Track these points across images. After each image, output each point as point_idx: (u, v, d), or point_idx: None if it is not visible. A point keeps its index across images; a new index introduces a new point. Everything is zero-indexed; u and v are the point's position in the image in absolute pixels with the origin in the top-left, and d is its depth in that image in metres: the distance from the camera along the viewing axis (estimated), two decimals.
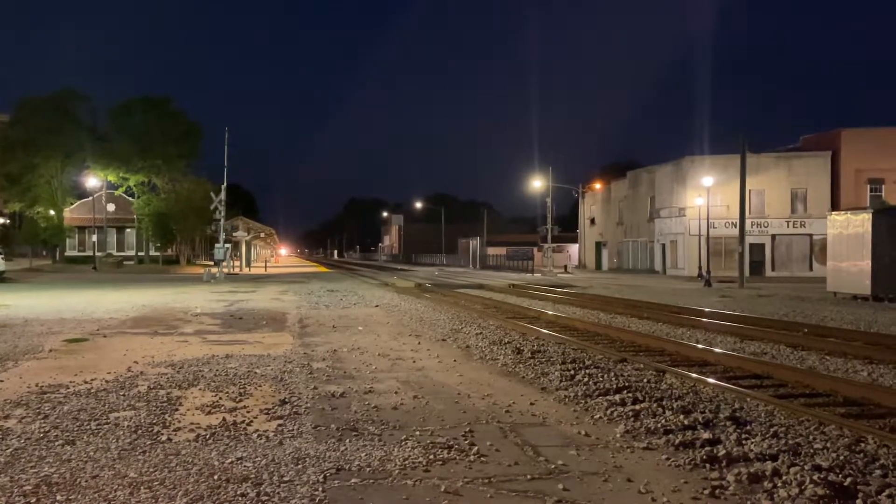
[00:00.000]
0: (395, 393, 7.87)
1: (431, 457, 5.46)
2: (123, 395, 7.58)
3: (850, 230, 24.58)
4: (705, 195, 42.75)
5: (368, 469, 5.18)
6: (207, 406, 7.09)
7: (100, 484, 4.80)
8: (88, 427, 6.22)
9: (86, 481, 4.85)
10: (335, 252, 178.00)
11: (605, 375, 9.04)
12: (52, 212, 55.84)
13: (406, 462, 5.33)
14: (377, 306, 20.15)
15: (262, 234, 73.92)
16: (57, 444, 5.72)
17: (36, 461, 5.26)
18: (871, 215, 24.24)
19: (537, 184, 59.08)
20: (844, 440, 6.15)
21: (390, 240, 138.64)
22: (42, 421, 6.42)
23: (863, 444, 6.05)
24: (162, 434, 6.04)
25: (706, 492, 4.80)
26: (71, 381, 8.29)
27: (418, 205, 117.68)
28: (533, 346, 11.84)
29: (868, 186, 46.59)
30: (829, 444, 5.98)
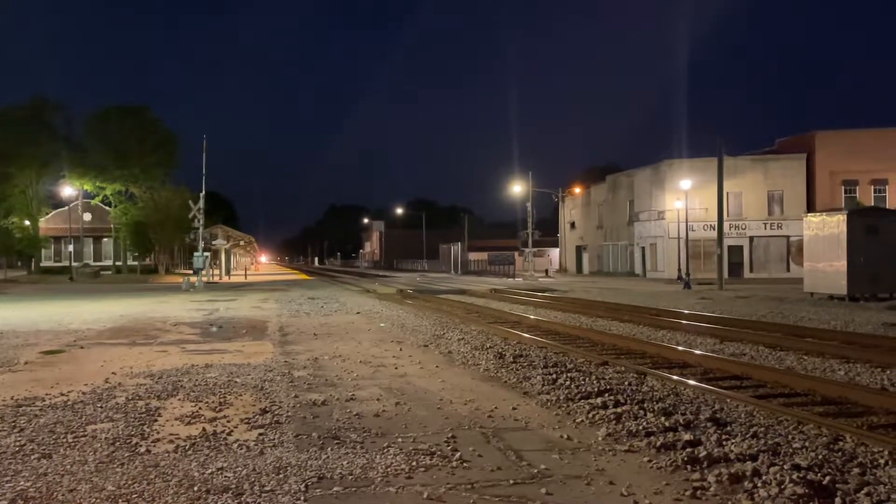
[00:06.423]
0: (377, 400, 7.84)
1: (414, 463, 5.44)
2: (101, 406, 7.47)
3: (825, 231, 24.92)
4: (684, 198, 43.17)
5: (350, 477, 5.15)
6: (187, 416, 7.01)
7: (77, 498, 4.73)
8: (65, 440, 6.12)
9: (62, 495, 4.77)
10: (316, 259, 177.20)
11: (587, 379, 9.07)
12: (27, 222, 55.13)
13: (388, 469, 5.30)
14: (358, 313, 20.08)
15: (242, 242, 73.44)
16: (33, 457, 5.63)
17: (11, 475, 5.17)
18: (845, 216, 24.60)
19: (518, 189, 59.40)
20: (823, 439, 6.22)
21: (371, 246, 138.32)
22: (17, 434, 6.31)
23: (841, 443, 6.11)
24: (140, 446, 5.96)
25: (688, 493, 4.83)
26: (47, 394, 8.16)
27: (399, 211, 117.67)
28: (515, 350, 11.85)
29: (843, 188, 47.31)
30: (807, 444, 6.04)
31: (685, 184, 42.72)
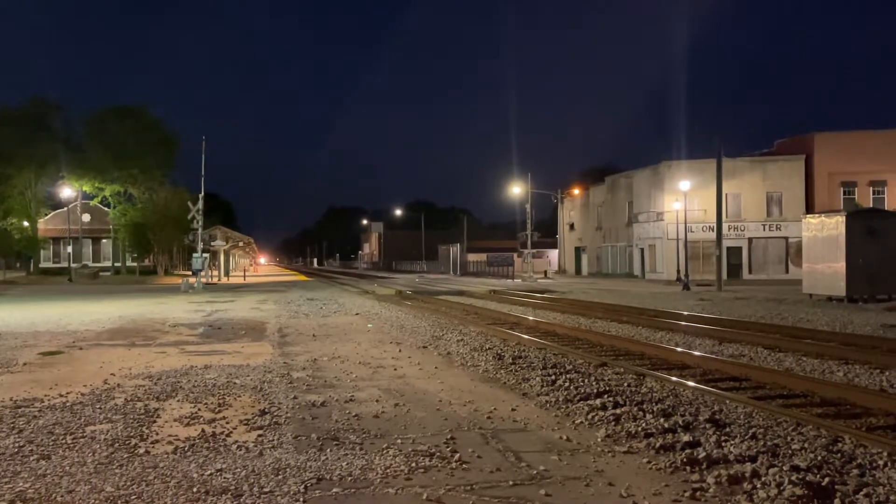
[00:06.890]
0: (377, 401, 7.84)
1: (413, 465, 5.44)
2: (100, 408, 7.47)
3: (824, 233, 24.93)
4: (682, 199, 43.21)
5: (350, 478, 5.15)
6: (186, 418, 7.01)
7: (76, 499, 4.72)
8: (64, 441, 6.12)
9: (61, 496, 4.77)
10: (314, 260, 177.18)
11: (586, 380, 9.08)
12: (25, 223, 55.07)
13: (388, 470, 5.30)
14: (357, 314, 20.07)
15: (241, 244, 73.49)
16: (32, 458, 5.62)
17: (10, 477, 5.16)
18: (844, 218, 24.61)
19: (517, 190, 59.36)
20: (822, 440, 6.22)
21: (370, 247, 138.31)
22: (16, 436, 6.31)
23: (840, 444, 6.12)
24: (139, 447, 5.96)
25: (687, 494, 4.83)
26: (46, 395, 8.16)
27: (398, 212, 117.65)
28: (514, 351, 11.85)
29: (841, 189, 47.33)
30: (806, 445, 6.04)
31: (684, 185, 42.76)
